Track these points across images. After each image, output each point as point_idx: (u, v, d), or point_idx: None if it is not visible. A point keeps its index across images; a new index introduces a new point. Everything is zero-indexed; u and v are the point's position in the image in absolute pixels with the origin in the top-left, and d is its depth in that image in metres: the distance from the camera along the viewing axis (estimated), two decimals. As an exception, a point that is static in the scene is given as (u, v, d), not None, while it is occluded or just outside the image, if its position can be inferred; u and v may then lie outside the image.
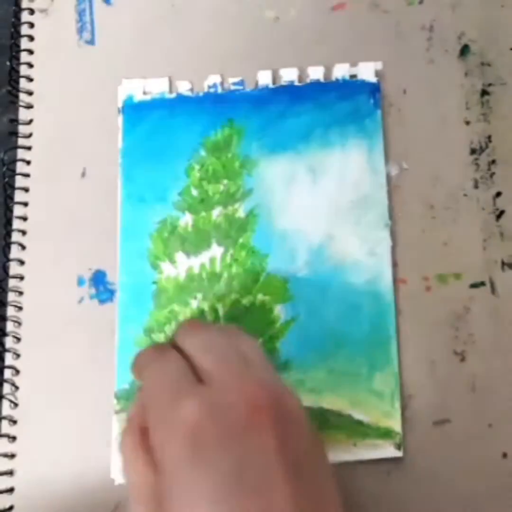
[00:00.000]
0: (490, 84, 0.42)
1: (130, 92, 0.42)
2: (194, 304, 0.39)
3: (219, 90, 0.42)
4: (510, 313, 0.38)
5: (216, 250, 0.40)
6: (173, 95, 0.42)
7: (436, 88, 0.42)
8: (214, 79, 0.42)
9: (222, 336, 0.30)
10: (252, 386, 0.27)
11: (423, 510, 0.36)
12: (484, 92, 0.42)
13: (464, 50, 0.42)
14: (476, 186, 0.40)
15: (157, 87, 0.42)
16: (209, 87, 0.42)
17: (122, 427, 0.32)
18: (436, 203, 0.40)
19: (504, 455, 0.37)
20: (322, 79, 0.42)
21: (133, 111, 0.42)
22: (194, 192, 0.41)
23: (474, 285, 0.39)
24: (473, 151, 0.41)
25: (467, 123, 0.41)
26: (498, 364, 0.38)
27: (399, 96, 0.42)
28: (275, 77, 0.42)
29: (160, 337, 0.39)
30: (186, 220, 0.40)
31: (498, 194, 0.40)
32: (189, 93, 0.42)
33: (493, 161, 0.41)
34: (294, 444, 0.26)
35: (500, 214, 0.40)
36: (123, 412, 0.38)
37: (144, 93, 0.42)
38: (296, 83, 0.42)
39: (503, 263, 0.39)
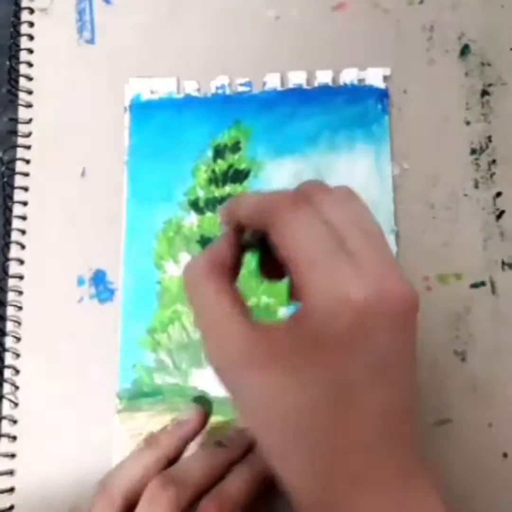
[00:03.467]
0: (490, 84, 0.42)
1: (138, 90, 0.42)
2: None
3: (227, 91, 0.42)
4: (510, 313, 0.38)
5: None
6: (181, 96, 0.42)
7: (437, 88, 0.42)
8: (222, 80, 0.42)
9: (358, 208, 0.29)
10: (402, 283, 0.27)
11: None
12: (484, 92, 0.42)
13: (465, 50, 0.42)
14: (476, 186, 0.40)
15: (165, 87, 0.42)
16: (217, 88, 0.42)
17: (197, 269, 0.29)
18: (436, 203, 0.40)
19: (504, 455, 0.37)
20: (330, 83, 0.42)
21: (140, 110, 0.42)
22: (200, 192, 0.41)
23: (474, 285, 0.39)
24: (473, 151, 0.41)
25: (468, 123, 0.41)
26: (498, 364, 0.38)
27: (400, 96, 0.42)
28: (283, 80, 0.42)
29: (163, 337, 0.39)
30: (191, 220, 0.40)
31: (498, 194, 0.40)
32: (196, 94, 0.42)
33: (493, 161, 0.41)
34: (414, 340, 0.28)
35: (500, 214, 0.40)
36: (125, 411, 0.38)
37: (152, 92, 0.42)
38: (304, 86, 0.42)
39: (503, 263, 0.39)
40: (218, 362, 0.27)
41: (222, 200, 0.41)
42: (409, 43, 0.42)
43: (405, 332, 0.27)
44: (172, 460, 0.34)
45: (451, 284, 0.39)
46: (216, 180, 0.41)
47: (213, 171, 0.41)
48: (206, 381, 0.38)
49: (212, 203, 0.41)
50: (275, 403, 0.26)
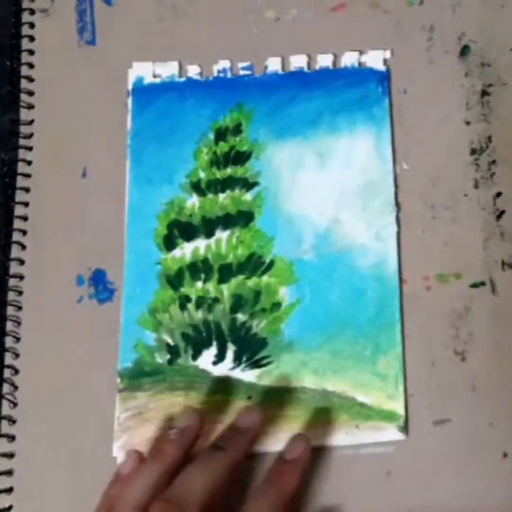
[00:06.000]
0: (490, 85, 0.42)
1: (140, 74, 0.43)
2: (199, 284, 0.39)
3: (229, 75, 0.43)
4: (510, 313, 0.38)
5: (222, 232, 0.40)
6: (183, 79, 0.43)
7: (437, 88, 0.42)
8: (224, 63, 0.43)
9: None
10: None
11: (423, 510, 0.36)
12: (484, 93, 0.42)
13: (465, 51, 0.42)
14: (476, 186, 0.40)
15: (167, 71, 0.43)
16: (219, 71, 0.43)
17: None
18: (436, 203, 0.40)
19: (505, 455, 0.36)
20: (331, 66, 0.42)
21: (143, 93, 0.43)
22: (202, 175, 0.41)
23: (474, 285, 0.39)
24: (473, 151, 0.41)
25: (467, 123, 0.41)
26: (498, 364, 0.38)
27: (400, 96, 0.42)
28: (284, 64, 0.42)
29: (164, 317, 0.39)
30: (193, 202, 0.41)
31: (498, 194, 0.40)
32: (198, 77, 0.43)
33: (493, 161, 0.40)
34: None
35: (500, 214, 0.40)
36: (126, 391, 0.38)
37: (154, 76, 0.43)
38: (305, 70, 0.42)
39: (503, 263, 0.39)
40: None
41: (223, 182, 0.41)
42: (409, 44, 0.42)
43: None
44: (177, 469, 0.34)
45: (451, 284, 0.39)
46: (217, 162, 0.41)
47: (215, 153, 0.41)
48: (207, 360, 0.38)
49: (214, 185, 0.41)
50: None
